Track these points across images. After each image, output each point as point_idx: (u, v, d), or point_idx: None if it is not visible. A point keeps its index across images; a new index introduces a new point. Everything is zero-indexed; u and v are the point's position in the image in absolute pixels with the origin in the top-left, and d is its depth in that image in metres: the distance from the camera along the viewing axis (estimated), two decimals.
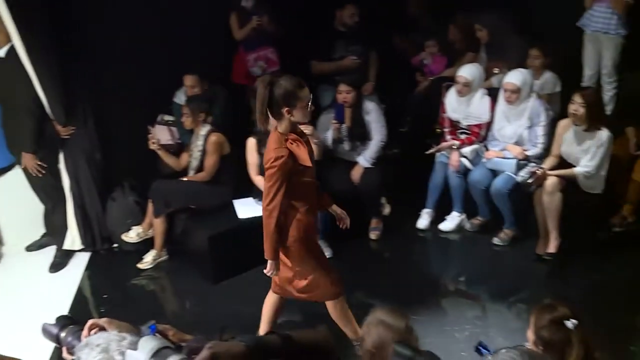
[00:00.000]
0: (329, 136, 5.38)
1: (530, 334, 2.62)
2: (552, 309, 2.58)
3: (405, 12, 6.75)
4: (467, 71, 5.36)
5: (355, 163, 5.39)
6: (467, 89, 5.32)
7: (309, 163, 3.55)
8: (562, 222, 4.93)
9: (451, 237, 5.53)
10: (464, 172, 5.40)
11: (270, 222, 3.58)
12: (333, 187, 5.30)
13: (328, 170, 5.42)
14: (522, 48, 5.60)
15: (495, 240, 5.33)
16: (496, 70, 5.74)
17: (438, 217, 5.61)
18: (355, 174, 5.34)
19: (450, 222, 5.55)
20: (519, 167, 5.13)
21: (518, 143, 5.23)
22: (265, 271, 3.81)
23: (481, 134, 5.41)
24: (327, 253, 5.19)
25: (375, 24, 6.28)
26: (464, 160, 5.37)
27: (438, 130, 5.73)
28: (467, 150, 5.37)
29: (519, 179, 5.10)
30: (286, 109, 3.45)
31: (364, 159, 5.35)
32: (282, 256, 3.78)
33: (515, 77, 5.12)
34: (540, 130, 5.15)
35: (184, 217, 5.28)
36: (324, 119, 5.44)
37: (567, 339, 2.48)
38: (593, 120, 4.75)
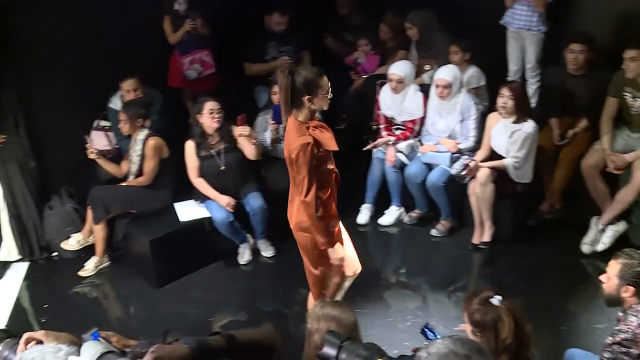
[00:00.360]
0: (267, 137, 5.42)
1: (467, 326, 2.74)
2: (478, 292, 2.73)
3: (336, 12, 6.85)
4: (399, 68, 5.49)
5: None
6: (400, 85, 5.44)
7: (335, 147, 3.56)
8: (496, 211, 5.12)
9: (391, 231, 5.65)
10: (401, 167, 5.52)
11: (311, 213, 3.54)
12: (273, 187, 5.38)
13: (267, 170, 5.49)
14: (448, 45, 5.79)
15: (433, 232, 5.47)
16: (427, 67, 5.89)
17: (377, 211, 5.72)
18: None
19: (389, 216, 5.67)
20: (453, 160, 5.31)
21: (451, 137, 5.40)
22: (332, 261, 3.75)
23: (415, 129, 5.55)
24: (270, 252, 5.27)
25: (306, 25, 6.36)
26: (400, 155, 5.50)
27: (374, 127, 5.85)
28: (402, 145, 5.50)
29: (453, 171, 5.28)
30: (307, 97, 3.46)
31: None
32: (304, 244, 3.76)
33: (446, 73, 5.28)
34: (471, 124, 5.32)
35: (124, 222, 5.23)
36: (261, 120, 5.48)
37: (497, 316, 2.62)
38: (520, 112, 4.95)
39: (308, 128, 3.49)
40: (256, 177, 5.38)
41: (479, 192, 5.07)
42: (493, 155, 5.17)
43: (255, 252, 5.31)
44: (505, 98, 4.93)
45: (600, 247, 4.97)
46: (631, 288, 3.03)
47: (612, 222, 4.96)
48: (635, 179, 4.81)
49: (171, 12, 6.00)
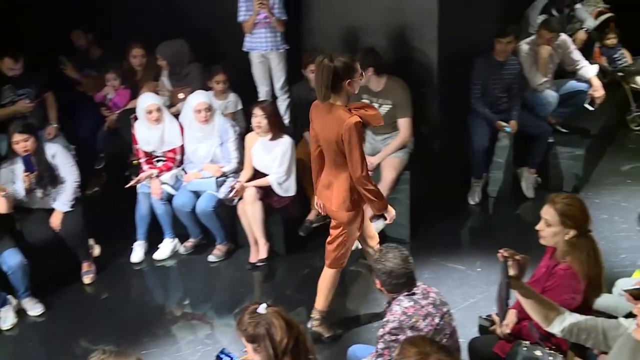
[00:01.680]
0: (20, 187, 5.01)
1: (247, 346, 2.77)
2: (244, 310, 2.76)
3: (75, 48, 6.60)
4: (154, 98, 5.48)
5: (52, 210, 5.10)
6: (160, 114, 5.39)
7: (382, 121, 3.97)
8: (267, 227, 5.27)
9: (168, 264, 5.55)
10: (168, 198, 5.46)
11: (370, 186, 3.84)
12: (34, 238, 5.01)
13: (22, 222, 5.08)
14: (203, 74, 5.89)
15: (211, 258, 5.49)
16: (181, 96, 5.91)
17: (151, 247, 5.59)
18: (55, 221, 5.06)
19: (164, 249, 5.56)
20: (219, 184, 5.37)
21: (213, 161, 5.47)
22: (388, 221, 4.16)
23: (177, 158, 5.52)
24: (38, 309, 4.90)
25: (44, 65, 6.03)
26: (165, 186, 5.44)
27: (134, 162, 5.72)
28: (166, 176, 5.45)
29: (220, 195, 5.34)
30: (348, 81, 3.69)
31: (61, 204, 5.09)
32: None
33: (202, 97, 5.36)
34: (231, 146, 5.43)
35: None
36: (6, 171, 5.03)
37: (268, 322, 2.67)
38: (275, 129, 5.18)
39: (350, 110, 3.71)
40: (10, 231, 4.95)
41: (248, 211, 5.19)
42: (256, 174, 5.33)
43: (21, 312, 4.88)
44: (259, 118, 5.12)
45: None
46: (378, 281, 3.30)
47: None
48: (384, 177, 5.28)
49: None
